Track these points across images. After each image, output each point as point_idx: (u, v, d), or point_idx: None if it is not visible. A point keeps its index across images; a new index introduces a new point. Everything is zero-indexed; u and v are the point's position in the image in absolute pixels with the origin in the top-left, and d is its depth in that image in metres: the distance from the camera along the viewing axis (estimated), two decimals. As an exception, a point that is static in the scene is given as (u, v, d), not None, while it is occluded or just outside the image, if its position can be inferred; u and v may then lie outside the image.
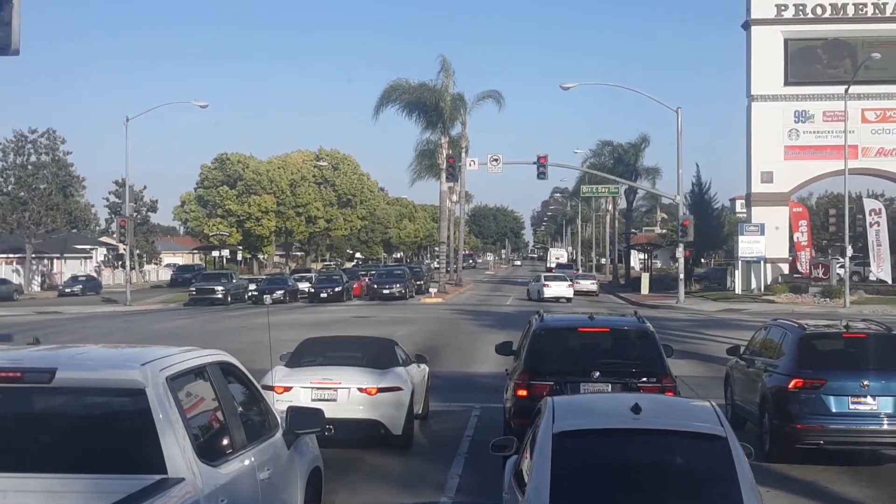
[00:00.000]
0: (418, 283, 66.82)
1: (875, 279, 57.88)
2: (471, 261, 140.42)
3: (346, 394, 13.97)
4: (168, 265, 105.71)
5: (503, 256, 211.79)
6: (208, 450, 6.45)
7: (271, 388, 12.98)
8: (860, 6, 62.05)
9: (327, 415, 9.04)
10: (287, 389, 13.81)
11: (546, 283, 59.82)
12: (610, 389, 12.39)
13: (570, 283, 60.57)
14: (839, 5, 62.19)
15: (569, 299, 57.47)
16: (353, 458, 13.57)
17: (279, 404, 10.17)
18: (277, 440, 7.81)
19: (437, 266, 75.91)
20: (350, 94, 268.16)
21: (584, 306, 48.11)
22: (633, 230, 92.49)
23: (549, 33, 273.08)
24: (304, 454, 8.37)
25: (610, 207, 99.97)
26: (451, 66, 70.36)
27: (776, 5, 62.58)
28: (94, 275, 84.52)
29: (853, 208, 64.21)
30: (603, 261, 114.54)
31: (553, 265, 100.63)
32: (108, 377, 6.38)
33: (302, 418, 8.10)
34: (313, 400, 13.49)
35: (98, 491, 5.75)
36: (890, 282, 56.87)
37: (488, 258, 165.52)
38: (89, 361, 6.85)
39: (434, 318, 42.29)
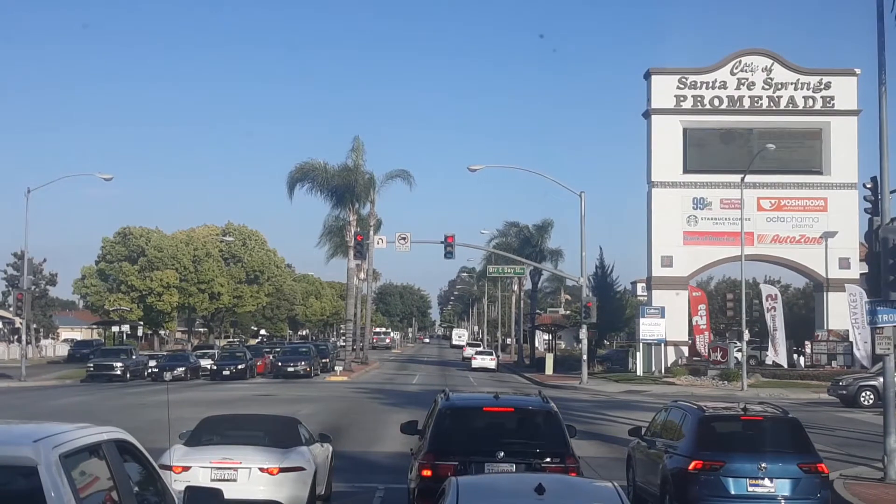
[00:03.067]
0: (324, 360, 66.03)
1: (771, 363, 59.21)
2: (382, 337, 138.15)
3: (247, 473, 13.70)
4: (66, 340, 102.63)
5: (409, 335, 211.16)
6: (102, 532, 6.25)
7: (169, 468, 12.66)
8: (756, 98, 64.56)
9: (227, 495, 8.84)
10: (186, 469, 13.49)
11: (474, 356, 77.83)
12: (514, 469, 12.41)
13: (493, 356, 77.22)
14: (736, 97, 64.64)
15: (493, 370, 72.88)
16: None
17: (177, 484, 9.91)
18: (174, 522, 7.60)
19: (344, 344, 75.29)
20: (260, 171, 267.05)
21: (489, 385, 48.42)
22: (537, 311, 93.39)
23: (459, 117, 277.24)
24: (201, 536, 8.13)
25: (516, 288, 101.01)
26: (362, 147, 70.99)
27: (675, 96, 64.76)
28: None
29: (750, 293, 65.91)
30: (508, 340, 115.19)
31: (463, 343, 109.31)
32: (-1, 454, 6.16)
33: (200, 499, 7.89)
34: (213, 480, 13.20)
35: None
36: (786, 366, 58.27)
37: (395, 336, 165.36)
38: (-21, 438, 6.60)
39: (339, 397, 41.85)
